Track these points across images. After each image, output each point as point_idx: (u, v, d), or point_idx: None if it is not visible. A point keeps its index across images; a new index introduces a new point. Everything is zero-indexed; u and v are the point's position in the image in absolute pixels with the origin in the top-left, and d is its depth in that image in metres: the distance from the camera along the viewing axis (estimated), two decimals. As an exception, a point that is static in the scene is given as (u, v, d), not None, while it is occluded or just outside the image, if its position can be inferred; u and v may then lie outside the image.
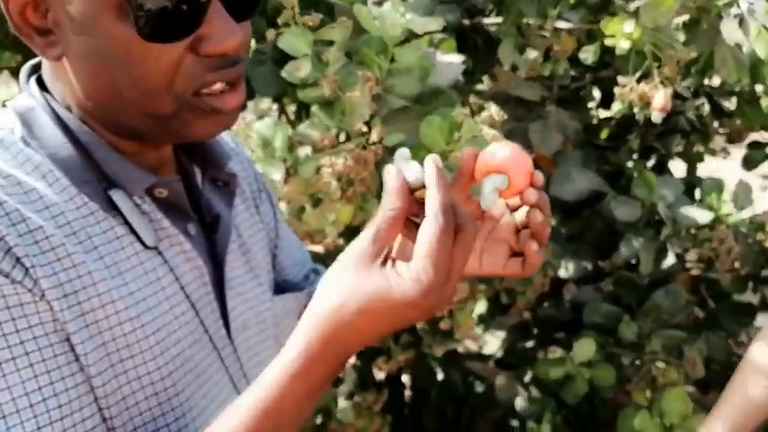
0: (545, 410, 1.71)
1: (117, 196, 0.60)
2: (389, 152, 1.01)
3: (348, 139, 1.01)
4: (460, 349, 2.21)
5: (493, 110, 0.91)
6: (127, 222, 0.60)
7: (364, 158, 0.93)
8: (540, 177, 0.64)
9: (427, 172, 0.56)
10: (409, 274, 0.52)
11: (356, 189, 0.96)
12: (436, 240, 0.52)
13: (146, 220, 0.61)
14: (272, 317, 0.73)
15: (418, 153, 0.98)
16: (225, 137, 0.77)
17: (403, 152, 0.59)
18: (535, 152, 1.76)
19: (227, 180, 0.69)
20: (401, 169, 0.56)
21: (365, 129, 0.97)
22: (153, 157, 0.63)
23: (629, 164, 1.87)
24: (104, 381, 0.56)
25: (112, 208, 0.60)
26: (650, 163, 1.91)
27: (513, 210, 0.68)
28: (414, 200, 0.57)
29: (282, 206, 1.04)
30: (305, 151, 1.04)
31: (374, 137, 0.94)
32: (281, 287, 0.78)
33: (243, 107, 1.41)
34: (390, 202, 0.54)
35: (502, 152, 0.63)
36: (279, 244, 0.80)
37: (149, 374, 0.58)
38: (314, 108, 1.02)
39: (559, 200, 1.63)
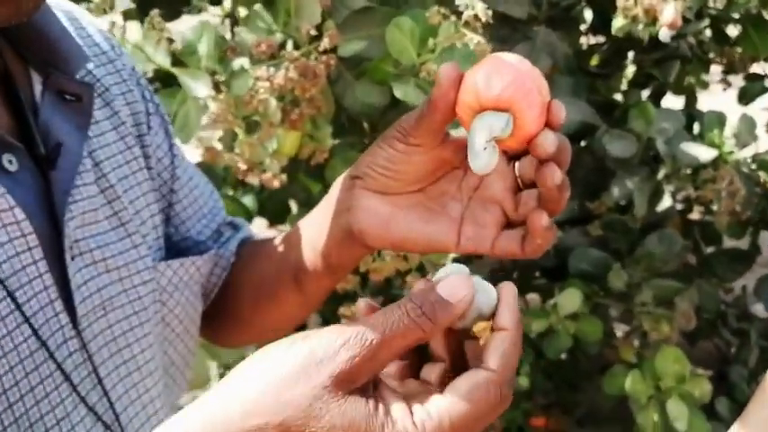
0: (523, 362, 1.58)
1: None
2: (346, 64, 0.81)
3: (297, 48, 0.80)
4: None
5: (478, 7, 0.71)
6: None
7: (312, 71, 0.73)
8: (560, 112, 0.44)
9: (505, 297, 0.40)
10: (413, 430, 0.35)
11: (303, 111, 0.76)
12: (485, 399, 0.36)
13: None
14: (157, 291, 0.54)
15: (382, 66, 0.78)
16: (96, 35, 0.56)
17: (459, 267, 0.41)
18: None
19: (80, 93, 0.49)
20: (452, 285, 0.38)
21: (315, 33, 0.76)
22: None
23: (619, 96, 1.69)
24: None
25: None
26: (645, 94, 1.74)
27: (513, 156, 0.48)
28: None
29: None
30: (244, 63, 0.83)
31: (326, 44, 0.74)
32: (179, 248, 0.59)
33: (175, 13, 1.18)
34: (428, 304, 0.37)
35: (502, 74, 0.42)
36: (176, 188, 0.60)
37: None
38: (256, 7, 0.81)
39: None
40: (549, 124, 0.44)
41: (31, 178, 0.46)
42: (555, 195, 0.44)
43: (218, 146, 0.80)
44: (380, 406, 0.36)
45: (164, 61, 0.78)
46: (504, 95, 0.42)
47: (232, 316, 0.63)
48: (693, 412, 1.14)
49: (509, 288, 0.40)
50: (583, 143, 1.57)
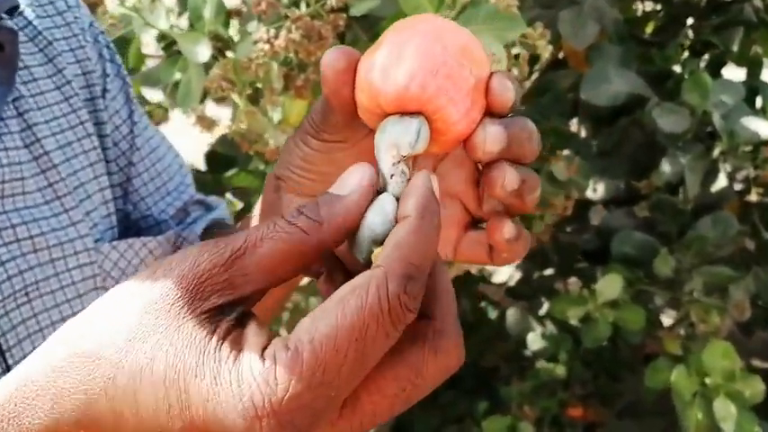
0: (560, 350, 1.50)
1: None
2: (361, 25, 0.73)
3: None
4: (473, 270, 1.97)
5: (505, -41, 0.62)
6: None
7: (318, 32, 0.66)
8: (505, 92, 0.32)
9: (412, 184, 0.29)
10: (261, 369, 0.25)
11: (309, 77, 0.69)
12: (360, 305, 0.25)
13: None
14: (99, 276, 0.47)
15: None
16: None
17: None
18: (564, 46, 1.47)
19: (1, 41, 0.44)
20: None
21: (323, -10, 0.69)
22: None
23: (678, 67, 1.57)
24: None
25: None
26: (703, 64, 1.61)
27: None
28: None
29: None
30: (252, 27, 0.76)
31: (333, 2, 0.66)
32: (138, 227, 0.52)
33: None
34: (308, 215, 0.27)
35: (402, 58, 0.30)
36: (135, 160, 0.54)
37: None
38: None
39: (591, 105, 1.36)
40: (490, 109, 0.32)
41: None
42: (514, 202, 0.34)
43: (214, 116, 0.75)
44: (228, 338, 0.25)
45: (163, 26, 0.72)
46: (409, 93, 0.30)
47: None
48: (742, 413, 1.05)
49: (420, 175, 0.29)
50: (631, 117, 1.47)
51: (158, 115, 0.94)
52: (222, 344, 0.25)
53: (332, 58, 0.32)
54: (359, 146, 0.37)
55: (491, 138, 0.32)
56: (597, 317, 1.19)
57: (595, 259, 1.48)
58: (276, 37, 0.65)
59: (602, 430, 1.54)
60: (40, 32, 0.48)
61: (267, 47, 0.65)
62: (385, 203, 0.29)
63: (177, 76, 0.77)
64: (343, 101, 0.33)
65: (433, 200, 0.28)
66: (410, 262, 0.26)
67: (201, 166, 1.25)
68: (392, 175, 0.30)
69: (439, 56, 0.31)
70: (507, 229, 0.35)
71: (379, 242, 0.28)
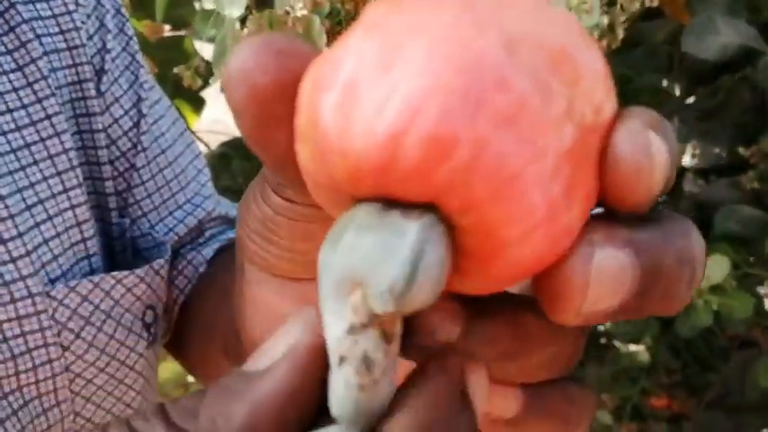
0: (644, 332, 1.36)
1: None
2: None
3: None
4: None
5: None
6: None
7: (369, -23, 0.53)
8: (646, 167, 0.15)
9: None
10: None
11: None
12: None
13: None
14: (53, 328, 0.35)
15: None
16: None
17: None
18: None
19: None
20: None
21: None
22: None
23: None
24: None
25: None
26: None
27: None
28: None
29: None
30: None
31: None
32: (137, 249, 0.41)
33: None
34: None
35: (402, 64, 0.13)
36: (138, 164, 0.41)
37: None
38: None
39: (690, 60, 1.19)
40: (611, 202, 0.15)
41: None
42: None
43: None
44: None
45: None
46: (403, 156, 0.14)
47: (198, 348, 0.42)
48: None
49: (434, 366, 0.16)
50: (738, 74, 1.29)
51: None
52: None
53: (250, 63, 0.16)
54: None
55: (606, 280, 0.15)
56: (698, 303, 1.05)
57: (689, 235, 1.33)
58: (319, -17, 0.53)
59: (688, 423, 1.41)
60: None
61: (307, -4, 0.53)
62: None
63: (212, 32, 0.67)
64: (276, 153, 0.17)
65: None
66: None
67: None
68: (342, 359, 0.14)
69: (488, 62, 0.13)
70: (501, 400, 0.19)
71: None
